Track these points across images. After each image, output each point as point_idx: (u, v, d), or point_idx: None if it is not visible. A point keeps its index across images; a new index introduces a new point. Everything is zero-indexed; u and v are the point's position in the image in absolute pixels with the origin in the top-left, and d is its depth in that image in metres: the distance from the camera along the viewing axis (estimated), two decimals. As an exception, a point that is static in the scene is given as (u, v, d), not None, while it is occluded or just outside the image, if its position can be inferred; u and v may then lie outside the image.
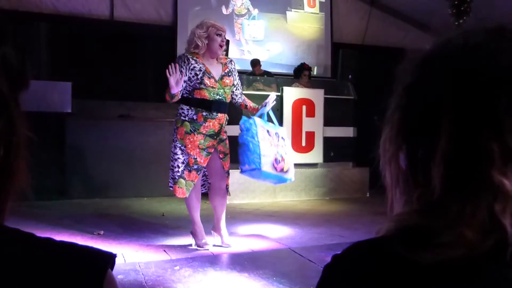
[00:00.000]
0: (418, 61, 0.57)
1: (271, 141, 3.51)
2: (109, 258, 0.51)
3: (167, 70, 3.25)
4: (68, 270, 0.49)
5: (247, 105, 3.69)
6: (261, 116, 3.60)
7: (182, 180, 3.49)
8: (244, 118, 3.49)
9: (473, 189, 0.50)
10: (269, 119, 3.67)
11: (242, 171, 3.51)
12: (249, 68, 7.65)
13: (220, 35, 3.48)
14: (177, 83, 3.28)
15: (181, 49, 5.51)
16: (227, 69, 3.57)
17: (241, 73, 7.09)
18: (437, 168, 0.51)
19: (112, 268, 0.52)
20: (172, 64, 3.32)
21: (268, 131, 3.51)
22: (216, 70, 3.52)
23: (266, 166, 3.42)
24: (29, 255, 0.48)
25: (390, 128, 0.58)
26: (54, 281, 0.48)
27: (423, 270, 0.50)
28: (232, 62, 3.68)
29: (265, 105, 3.59)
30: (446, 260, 0.49)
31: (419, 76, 0.56)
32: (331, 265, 0.56)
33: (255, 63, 7.38)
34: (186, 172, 3.49)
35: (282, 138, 3.60)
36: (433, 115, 0.52)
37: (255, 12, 8.42)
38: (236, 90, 3.65)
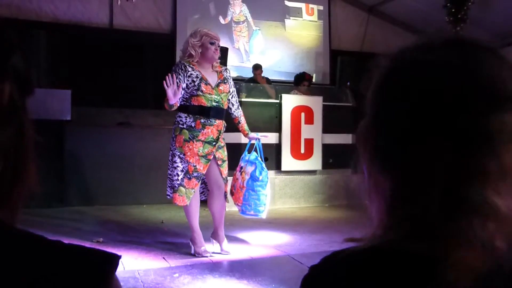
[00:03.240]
0: (389, 73, 0.56)
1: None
2: (115, 259, 0.54)
3: (164, 82, 3.27)
4: (78, 270, 0.51)
5: (240, 123, 3.74)
6: (252, 147, 3.82)
7: (182, 188, 3.49)
8: (258, 168, 3.67)
9: (465, 208, 0.49)
10: (256, 149, 3.81)
11: (243, 213, 3.73)
12: (247, 75, 7.68)
13: (213, 43, 3.50)
14: (174, 94, 3.30)
15: (180, 56, 5.55)
16: (223, 77, 3.60)
17: (240, 80, 7.15)
18: (427, 187, 0.50)
19: (115, 268, 0.54)
20: (169, 75, 3.33)
21: None
22: (211, 77, 3.54)
23: (266, 212, 3.72)
24: (40, 255, 0.50)
25: (371, 145, 0.56)
26: (63, 281, 0.50)
27: (399, 285, 0.49)
28: (227, 70, 3.71)
29: (257, 140, 3.79)
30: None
31: (395, 95, 0.54)
32: (309, 276, 0.55)
33: (257, 67, 7.42)
34: (185, 180, 3.49)
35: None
36: (418, 132, 0.51)
37: (254, 26, 8.45)
38: (232, 98, 3.67)
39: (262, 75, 7.48)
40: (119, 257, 0.54)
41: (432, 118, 0.50)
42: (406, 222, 0.51)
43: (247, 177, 3.67)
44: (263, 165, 3.73)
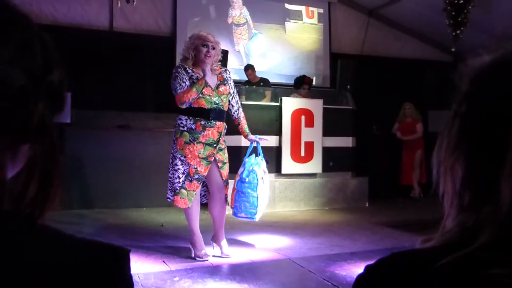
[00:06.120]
0: (482, 68, 0.54)
1: (265, 189, 3.74)
2: (127, 252, 0.54)
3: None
4: (94, 261, 0.51)
5: (240, 124, 3.73)
6: (253, 149, 3.79)
7: (183, 191, 3.48)
8: (246, 169, 3.64)
9: None
10: (256, 152, 3.80)
11: (235, 215, 3.70)
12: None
13: (205, 45, 3.48)
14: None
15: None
16: (222, 78, 3.59)
17: (240, 83, 7.14)
18: (506, 183, 0.46)
19: (129, 260, 0.55)
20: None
21: (262, 179, 3.69)
22: (211, 79, 3.53)
23: (259, 215, 3.67)
24: (59, 247, 0.50)
25: (448, 137, 0.54)
26: (81, 271, 0.49)
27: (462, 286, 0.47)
28: (227, 71, 3.70)
29: (257, 144, 3.77)
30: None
31: (483, 83, 0.52)
32: (364, 275, 0.54)
33: (247, 68, 7.40)
34: (187, 183, 3.48)
35: (262, 178, 3.72)
36: (499, 125, 0.48)
37: (254, 29, 8.45)
38: (232, 99, 3.67)
39: (262, 76, 7.46)
40: (129, 250, 0.55)
41: None
42: (478, 225, 0.48)
43: (237, 178, 3.66)
44: (254, 167, 3.65)
